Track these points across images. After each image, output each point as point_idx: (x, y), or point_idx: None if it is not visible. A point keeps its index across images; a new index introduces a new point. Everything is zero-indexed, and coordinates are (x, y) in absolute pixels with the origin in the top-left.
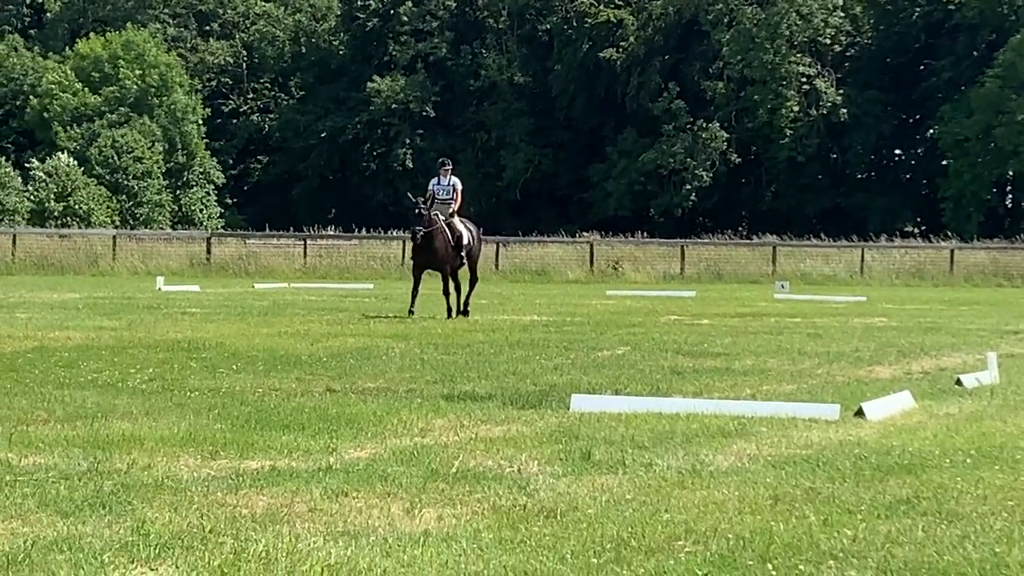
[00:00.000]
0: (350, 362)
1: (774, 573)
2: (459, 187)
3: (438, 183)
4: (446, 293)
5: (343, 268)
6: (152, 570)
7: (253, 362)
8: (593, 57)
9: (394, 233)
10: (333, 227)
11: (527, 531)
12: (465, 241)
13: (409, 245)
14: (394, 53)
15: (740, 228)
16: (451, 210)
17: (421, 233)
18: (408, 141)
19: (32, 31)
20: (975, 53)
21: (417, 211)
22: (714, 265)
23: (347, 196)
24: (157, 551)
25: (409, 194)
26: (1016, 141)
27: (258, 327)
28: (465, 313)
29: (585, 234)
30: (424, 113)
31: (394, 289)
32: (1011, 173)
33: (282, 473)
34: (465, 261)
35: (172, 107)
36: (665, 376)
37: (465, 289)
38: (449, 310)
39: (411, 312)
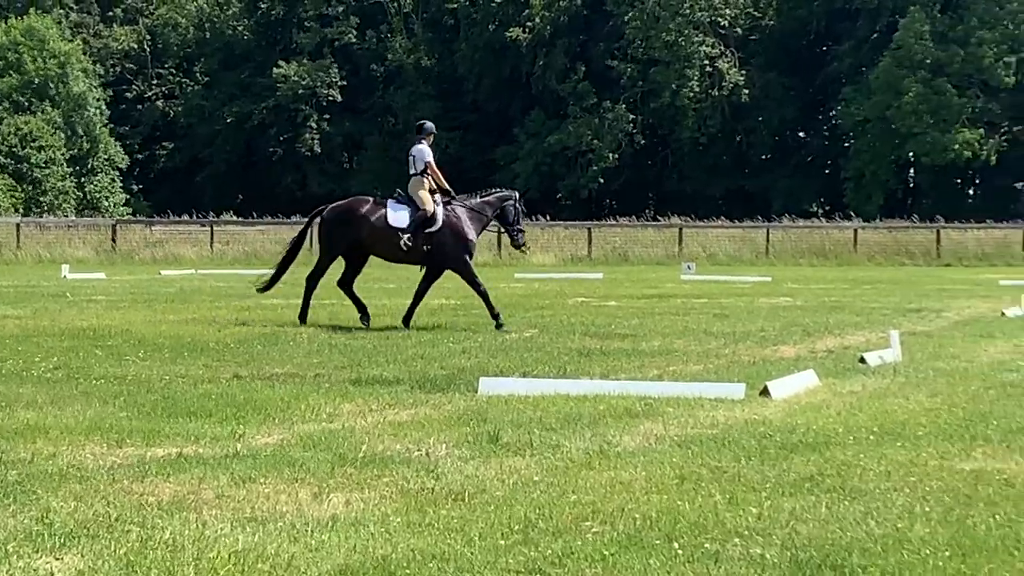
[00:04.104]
0: (257, 348)
1: (680, 552)
2: (424, 156)
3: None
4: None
5: (250, 254)
6: (58, 559)
7: (159, 349)
8: (499, 38)
9: (301, 218)
10: (239, 213)
11: (435, 514)
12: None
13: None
14: (299, 39)
15: (647, 210)
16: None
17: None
18: (314, 126)
19: None
20: (875, 36)
21: None
22: (621, 247)
23: (254, 182)
24: (62, 540)
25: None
26: (911, 123)
27: (164, 314)
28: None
29: None
30: (330, 98)
31: (301, 274)
32: (911, 154)
33: (189, 460)
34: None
35: (74, 94)
36: (573, 358)
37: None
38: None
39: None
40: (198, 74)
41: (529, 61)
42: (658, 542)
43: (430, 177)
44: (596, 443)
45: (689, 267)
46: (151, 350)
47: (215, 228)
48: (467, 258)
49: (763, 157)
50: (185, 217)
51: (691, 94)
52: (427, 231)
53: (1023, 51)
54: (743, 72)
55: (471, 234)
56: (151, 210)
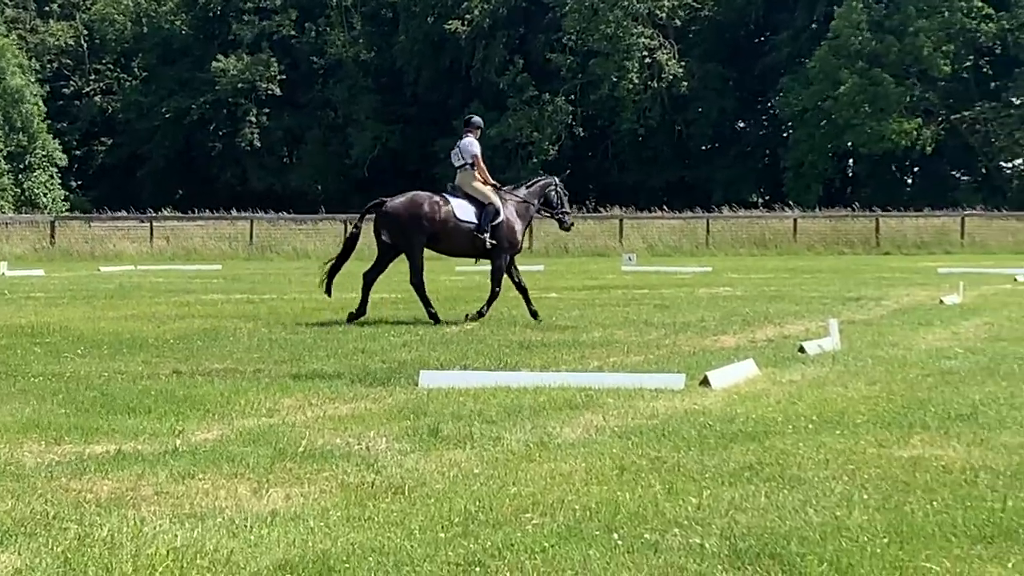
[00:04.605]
0: (197, 344)
1: (620, 542)
2: (472, 149)
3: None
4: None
5: (190, 249)
6: None
7: (98, 346)
8: (438, 30)
9: (242, 213)
10: (179, 208)
11: (375, 508)
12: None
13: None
14: (237, 32)
15: (587, 201)
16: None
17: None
18: (254, 120)
19: None
20: (812, 25)
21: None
22: (562, 238)
23: (193, 177)
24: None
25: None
26: (849, 113)
27: (104, 310)
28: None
29: None
30: (270, 92)
31: (242, 269)
32: (850, 144)
33: (128, 457)
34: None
35: (10, 88)
36: (513, 350)
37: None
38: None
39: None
40: (136, 69)
41: (468, 54)
42: (598, 533)
43: (476, 170)
44: (536, 435)
45: (630, 258)
46: (90, 347)
47: (155, 224)
48: (510, 254)
49: (703, 148)
50: (124, 213)
51: (630, 86)
52: (492, 224)
53: (960, 40)
54: (682, 63)
55: (518, 227)
56: (90, 206)
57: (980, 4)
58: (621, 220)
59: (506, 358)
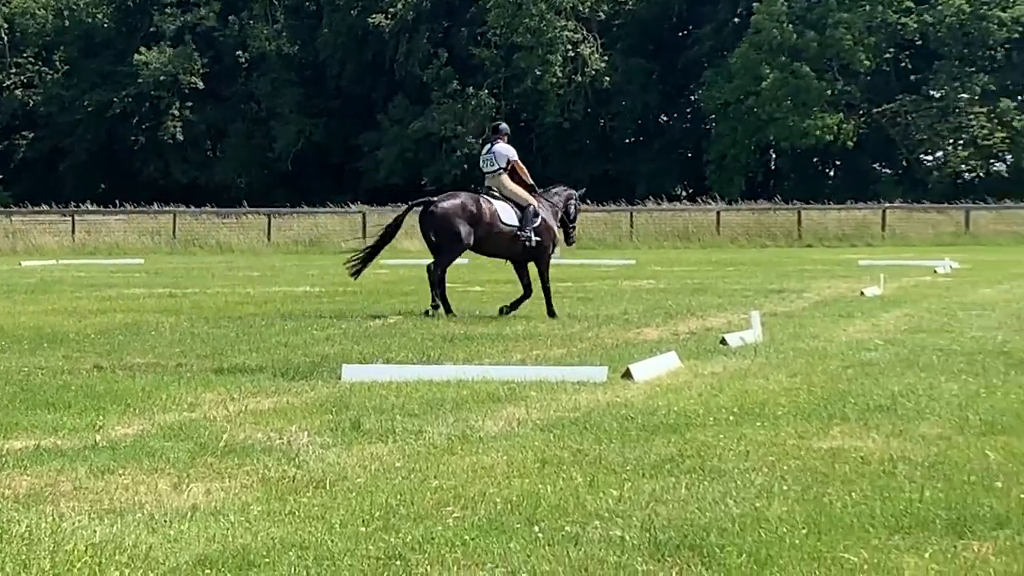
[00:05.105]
0: (119, 338)
1: (540, 535)
2: (510, 155)
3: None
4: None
5: (112, 244)
6: None
7: (18, 341)
8: (362, 24)
9: (164, 207)
10: (101, 202)
11: (296, 502)
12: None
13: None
14: (159, 25)
15: None
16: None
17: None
18: (177, 114)
19: None
20: (736, 20)
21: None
22: None
23: (116, 171)
24: None
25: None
26: (771, 108)
27: (24, 305)
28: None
29: (354, 205)
30: (193, 85)
31: (164, 264)
32: (772, 138)
33: (47, 452)
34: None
35: None
36: (436, 343)
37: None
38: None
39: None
40: (57, 62)
41: (392, 47)
42: (519, 526)
43: (509, 173)
44: (458, 428)
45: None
46: (10, 341)
47: (76, 218)
48: (550, 254)
49: (627, 141)
50: (45, 207)
51: (554, 79)
52: (533, 226)
53: (881, 33)
54: (606, 57)
55: (555, 228)
56: (11, 200)
57: None
58: None
59: (429, 351)
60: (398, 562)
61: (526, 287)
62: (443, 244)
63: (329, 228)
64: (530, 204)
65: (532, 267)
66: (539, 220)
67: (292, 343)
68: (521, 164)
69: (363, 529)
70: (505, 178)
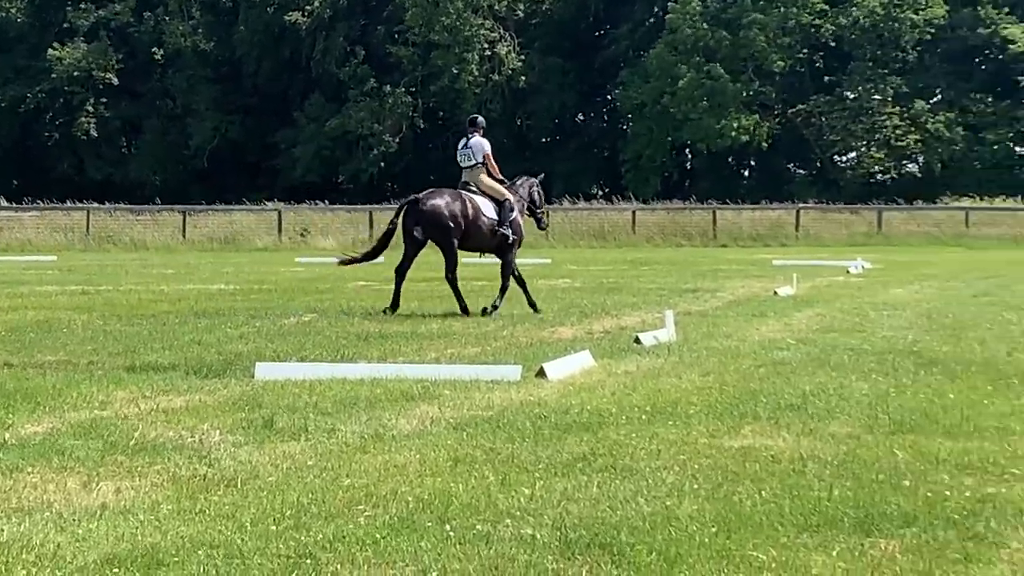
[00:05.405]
0: (30, 336)
1: (452, 534)
2: (485, 148)
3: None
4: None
5: (24, 241)
6: None
7: None
8: (278, 21)
9: (78, 204)
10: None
11: (207, 501)
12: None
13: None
14: (74, 20)
15: None
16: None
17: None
18: (91, 110)
19: None
20: (652, 20)
21: None
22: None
23: (29, 167)
24: None
25: None
26: (687, 109)
27: None
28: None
29: (270, 203)
30: (107, 81)
31: (78, 261)
32: (688, 138)
33: None
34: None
35: None
36: (351, 342)
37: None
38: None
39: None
40: None
41: (309, 45)
42: (430, 524)
43: (486, 167)
44: (372, 427)
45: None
46: None
47: None
48: (518, 247)
49: (543, 140)
50: None
51: (471, 78)
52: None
53: (795, 34)
54: (523, 56)
55: (522, 222)
56: None
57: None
58: None
59: (344, 350)
60: (308, 561)
61: (518, 280)
62: (435, 240)
63: (244, 226)
64: (507, 199)
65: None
66: (515, 214)
67: (205, 341)
68: (491, 158)
69: (274, 528)
70: (478, 171)
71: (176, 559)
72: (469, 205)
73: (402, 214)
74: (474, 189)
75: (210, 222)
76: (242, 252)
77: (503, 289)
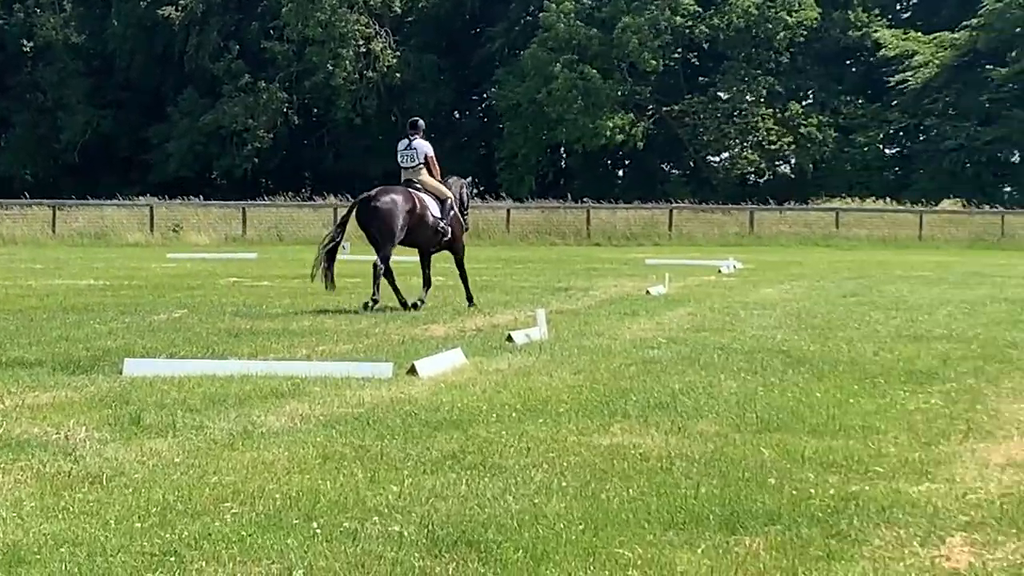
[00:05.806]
0: None
1: (319, 531)
2: (427, 150)
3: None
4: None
5: None
6: None
7: None
8: (151, 15)
9: None
10: None
11: (71, 498)
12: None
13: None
14: None
15: (303, 189)
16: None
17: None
18: None
19: None
20: (527, 18)
21: None
22: (276, 227)
23: None
24: None
25: None
26: (562, 109)
27: None
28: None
29: (142, 198)
30: None
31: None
32: (563, 138)
33: None
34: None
35: None
36: (221, 338)
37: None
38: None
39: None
40: None
41: (182, 40)
42: (297, 522)
43: (427, 168)
44: (241, 424)
45: (344, 247)
46: None
47: None
48: (463, 243)
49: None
50: None
51: (345, 74)
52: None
53: (669, 34)
54: (398, 53)
55: (460, 217)
56: None
57: (688, 0)
58: (335, 208)
59: (214, 346)
60: (172, 558)
61: (428, 279)
62: (383, 238)
63: (116, 221)
64: (448, 197)
65: (436, 258)
66: (454, 212)
67: (73, 337)
68: (434, 160)
69: (138, 525)
70: (420, 171)
71: (38, 557)
72: (418, 203)
73: (356, 215)
74: (419, 187)
75: (81, 217)
76: (113, 248)
77: (464, 280)
